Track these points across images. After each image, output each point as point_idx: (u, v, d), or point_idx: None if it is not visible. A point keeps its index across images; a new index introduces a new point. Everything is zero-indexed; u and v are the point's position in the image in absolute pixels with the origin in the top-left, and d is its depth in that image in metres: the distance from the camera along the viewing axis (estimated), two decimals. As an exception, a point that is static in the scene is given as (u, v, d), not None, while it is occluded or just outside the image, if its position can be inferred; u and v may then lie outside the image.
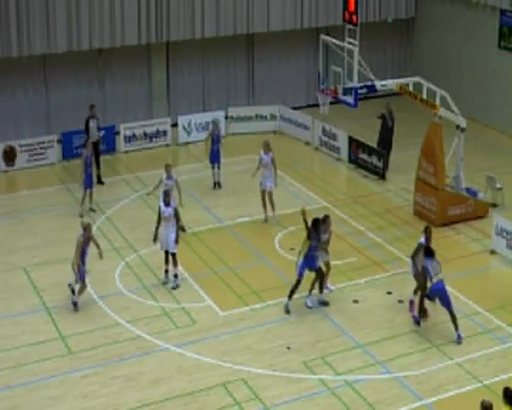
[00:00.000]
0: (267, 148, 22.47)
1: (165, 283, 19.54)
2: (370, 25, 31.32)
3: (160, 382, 16.05)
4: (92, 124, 25.08)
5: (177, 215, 19.44)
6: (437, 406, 15.40)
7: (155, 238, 19.39)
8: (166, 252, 19.38)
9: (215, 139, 24.71)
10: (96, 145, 25.07)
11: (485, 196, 23.40)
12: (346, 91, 22.42)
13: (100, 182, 25.22)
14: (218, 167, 24.93)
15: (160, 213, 19.22)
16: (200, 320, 18.13)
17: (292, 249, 21.02)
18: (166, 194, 19.49)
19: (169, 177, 21.59)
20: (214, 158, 24.73)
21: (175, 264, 19.37)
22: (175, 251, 19.23)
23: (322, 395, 15.70)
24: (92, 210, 23.26)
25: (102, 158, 25.88)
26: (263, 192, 22.53)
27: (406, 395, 15.66)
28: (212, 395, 15.64)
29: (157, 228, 19.27)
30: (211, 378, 16.11)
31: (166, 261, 19.49)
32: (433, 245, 21.36)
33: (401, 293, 19.11)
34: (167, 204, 19.16)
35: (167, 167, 21.78)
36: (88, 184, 23.08)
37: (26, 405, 15.43)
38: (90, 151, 23.17)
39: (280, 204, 23.33)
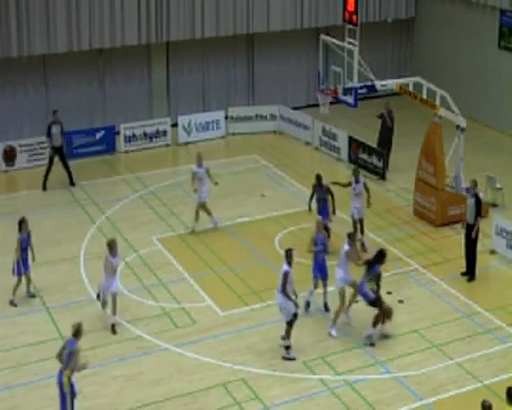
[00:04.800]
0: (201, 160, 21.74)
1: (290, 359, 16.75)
2: (370, 25, 31.32)
3: (160, 382, 16.04)
4: (55, 130, 24.79)
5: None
6: (437, 406, 15.39)
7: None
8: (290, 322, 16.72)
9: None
10: (60, 150, 24.91)
11: (485, 196, 23.37)
12: (346, 91, 22.41)
13: (71, 183, 25.03)
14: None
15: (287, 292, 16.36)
16: (200, 320, 18.11)
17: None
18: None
19: None
20: None
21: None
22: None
23: (322, 395, 15.70)
24: (32, 296, 19.08)
25: (102, 158, 25.90)
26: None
27: (406, 395, 15.65)
28: (212, 395, 15.63)
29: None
30: (211, 378, 16.11)
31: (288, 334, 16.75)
32: (434, 245, 21.53)
33: (401, 293, 19.11)
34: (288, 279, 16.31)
35: None
36: (20, 271, 18.73)
37: (26, 405, 15.42)
38: (26, 232, 18.90)
39: (280, 204, 23.33)
